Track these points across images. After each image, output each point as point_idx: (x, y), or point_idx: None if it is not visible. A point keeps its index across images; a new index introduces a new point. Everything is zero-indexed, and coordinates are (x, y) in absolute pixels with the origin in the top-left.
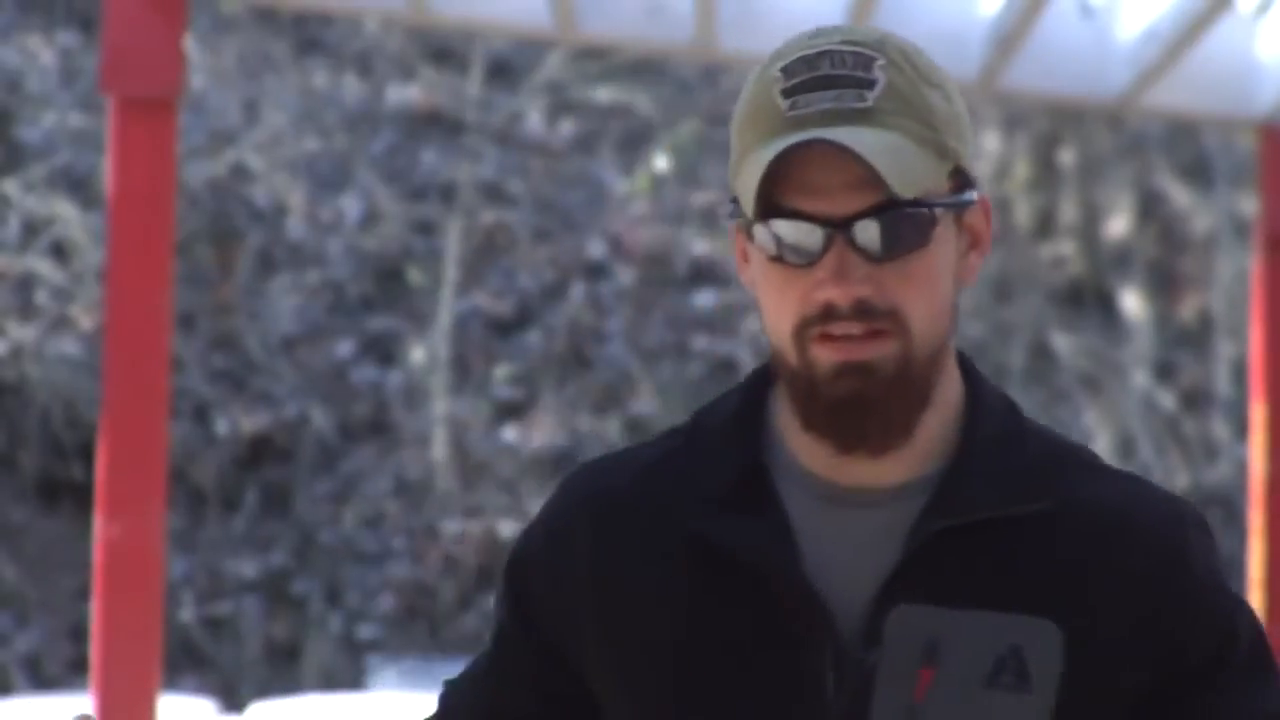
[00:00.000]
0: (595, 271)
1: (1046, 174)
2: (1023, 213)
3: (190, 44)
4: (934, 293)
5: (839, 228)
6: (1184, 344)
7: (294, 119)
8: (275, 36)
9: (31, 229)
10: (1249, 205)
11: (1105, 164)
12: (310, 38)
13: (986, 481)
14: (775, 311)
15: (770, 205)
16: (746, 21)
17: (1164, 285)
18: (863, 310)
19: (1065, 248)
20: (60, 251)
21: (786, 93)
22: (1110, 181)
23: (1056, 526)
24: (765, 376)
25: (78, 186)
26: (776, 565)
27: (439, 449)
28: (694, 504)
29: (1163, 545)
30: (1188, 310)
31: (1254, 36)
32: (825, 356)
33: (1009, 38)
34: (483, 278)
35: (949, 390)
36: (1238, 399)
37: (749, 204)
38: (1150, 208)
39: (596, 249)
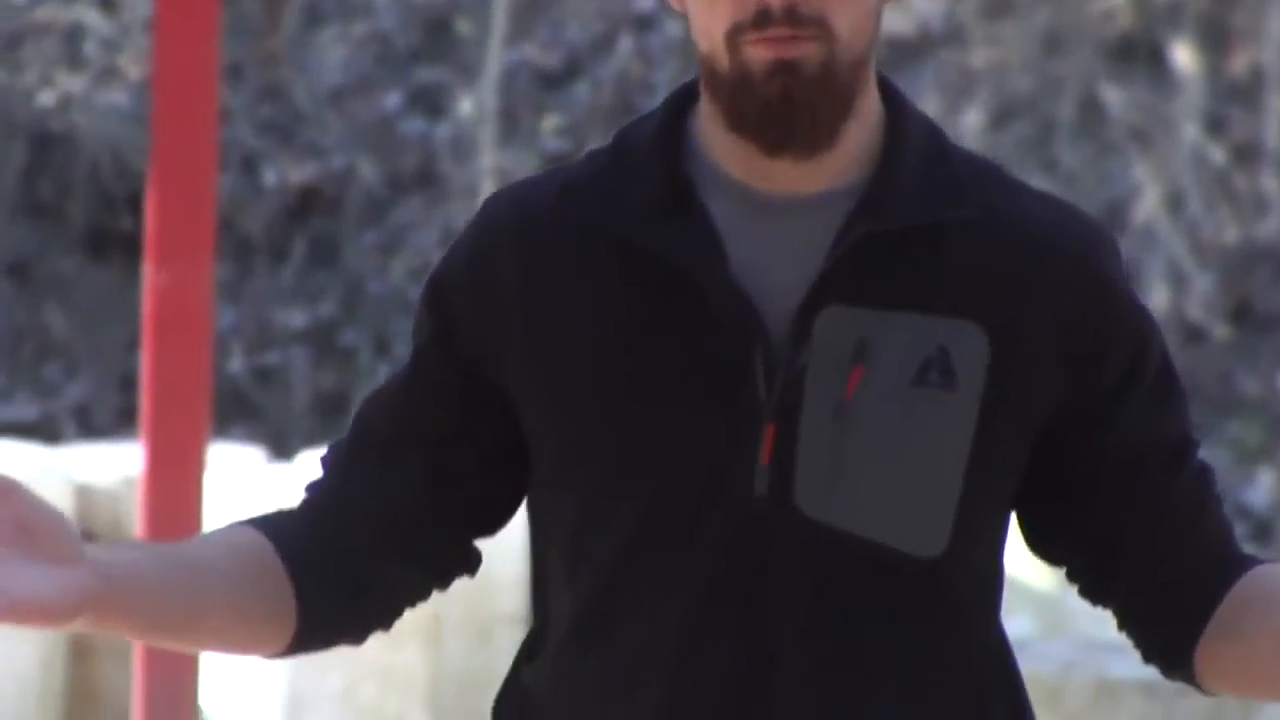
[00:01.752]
0: (644, 24)
1: None
2: None
3: None
4: (859, 1)
5: None
6: (1235, 98)
7: None
8: None
9: None
10: None
11: None
12: None
13: (913, 188)
14: (707, 17)
15: None
16: None
17: (1215, 39)
18: (792, 15)
19: (1115, 0)
20: (108, 2)
21: None
22: None
23: (982, 236)
24: (685, 96)
25: None
26: (703, 266)
27: None
28: (620, 215)
29: (1084, 261)
30: (1239, 64)
31: None
32: (759, 56)
33: None
34: (531, 29)
35: (871, 105)
36: None
37: None
38: None
39: (645, 1)
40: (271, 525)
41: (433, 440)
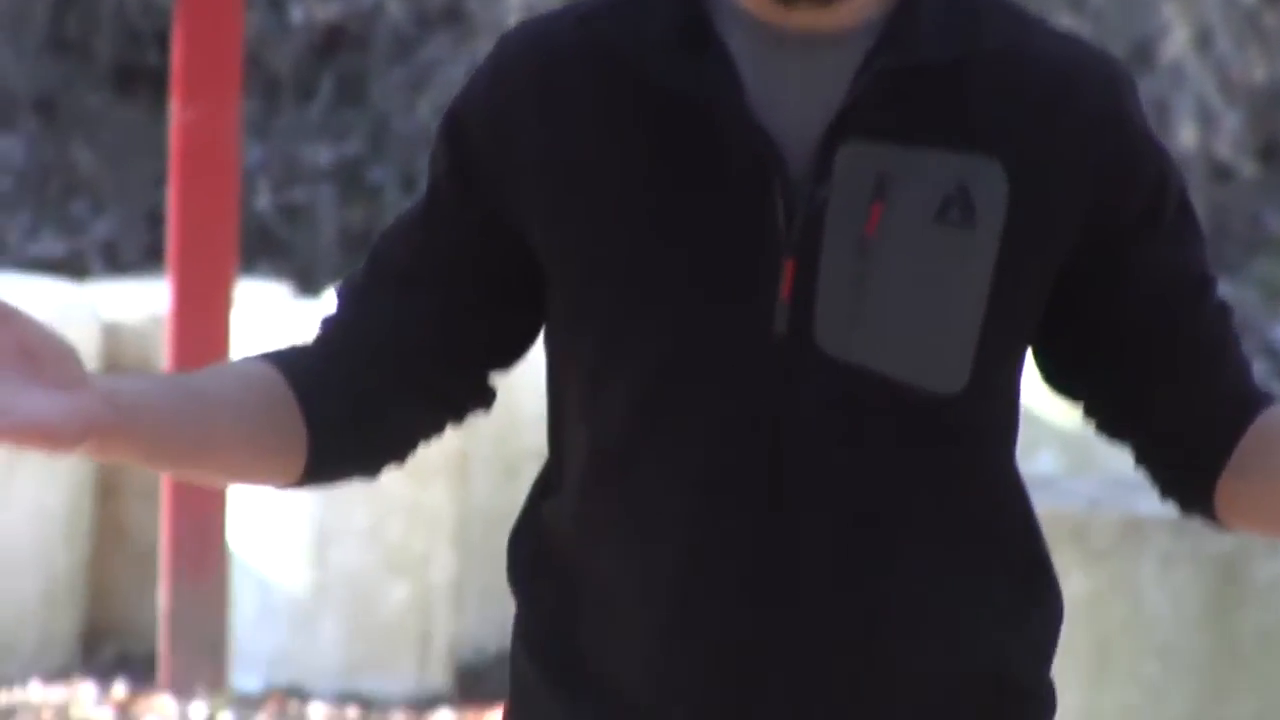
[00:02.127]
0: None
1: None
2: None
3: None
4: None
5: None
6: None
7: None
8: None
9: None
10: None
11: None
12: None
13: (933, 24)
14: None
15: None
16: None
17: None
18: None
19: None
20: None
21: None
22: None
23: (1001, 73)
24: None
25: None
26: (721, 101)
27: None
28: (638, 50)
29: (1104, 99)
30: None
31: None
32: None
33: None
34: None
35: None
36: None
37: None
38: None
39: None
40: (284, 358)
41: (447, 273)
